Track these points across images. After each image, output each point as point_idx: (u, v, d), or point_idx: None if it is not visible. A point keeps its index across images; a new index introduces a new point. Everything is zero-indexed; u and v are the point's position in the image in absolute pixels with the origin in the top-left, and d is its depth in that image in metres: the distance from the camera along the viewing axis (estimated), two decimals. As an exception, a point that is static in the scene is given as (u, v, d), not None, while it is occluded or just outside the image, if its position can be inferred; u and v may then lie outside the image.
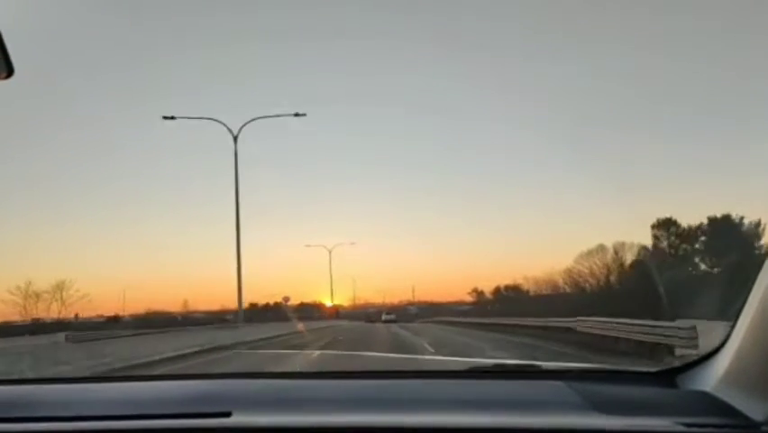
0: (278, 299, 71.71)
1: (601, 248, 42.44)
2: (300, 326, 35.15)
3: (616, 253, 41.57)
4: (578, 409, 1.35)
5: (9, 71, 0.90)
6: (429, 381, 1.81)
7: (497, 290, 77.84)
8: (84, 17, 58.49)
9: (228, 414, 1.35)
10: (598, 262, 42.27)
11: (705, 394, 1.37)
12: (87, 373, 11.62)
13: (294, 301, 66.48)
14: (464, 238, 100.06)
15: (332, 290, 60.93)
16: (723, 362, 1.37)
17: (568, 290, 44.15)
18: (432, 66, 75.06)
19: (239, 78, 75.93)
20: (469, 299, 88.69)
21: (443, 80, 74.92)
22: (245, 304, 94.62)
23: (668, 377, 1.59)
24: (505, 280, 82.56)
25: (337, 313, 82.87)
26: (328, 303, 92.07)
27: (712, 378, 1.39)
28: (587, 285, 41.13)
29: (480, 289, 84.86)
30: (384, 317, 68.90)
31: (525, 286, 69.38)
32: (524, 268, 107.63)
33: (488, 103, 74.75)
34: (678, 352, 11.81)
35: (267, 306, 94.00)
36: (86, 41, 67.09)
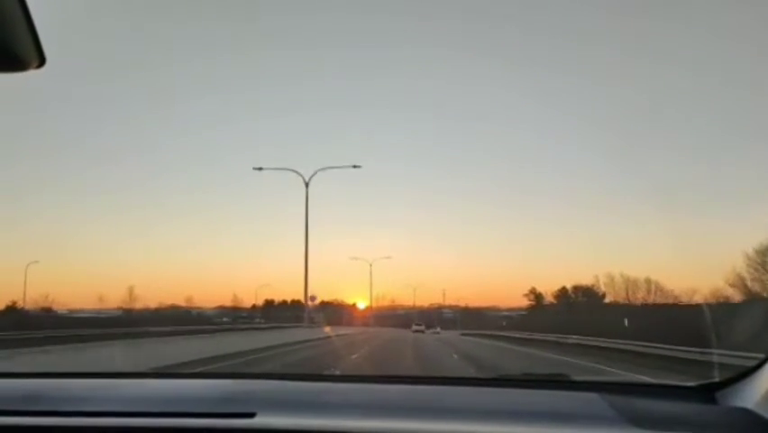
0: (296, 297, 62.30)
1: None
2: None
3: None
4: (611, 422, 1.30)
5: (41, 61, 0.90)
6: (456, 388, 1.79)
7: (562, 293, 63.41)
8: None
9: (252, 415, 1.34)
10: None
11: (746, 411, 1.31)
12: None
13: (312, 301, 56.25)
14: (504, 237, 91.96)
15: (305, 267, 44.39)
16: (766, 378, 1.34)
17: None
18: (470, 75, 76.89)
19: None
20: (513, 303, 76.36)
21: (482, 91, 76.31)
22: (260, 301, 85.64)
23: (707, 392, 1.52)
24: (560, 282, 68.53)
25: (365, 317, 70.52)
26: (358, 304, 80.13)
27: (754, 394, 1.34)
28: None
29: (537, 290, 70.56)
30: (414, 327, 58.43)
31: (602, 288, 54.60)
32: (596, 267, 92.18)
33: (536, 111, 74.11)
34: None
35: (284, 303, 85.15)
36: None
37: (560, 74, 71.38)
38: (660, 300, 41.76)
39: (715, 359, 12.56)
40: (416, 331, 54.60)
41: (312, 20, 72.28)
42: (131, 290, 65.56)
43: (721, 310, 24.52)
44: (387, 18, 73.46)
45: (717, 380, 1.53)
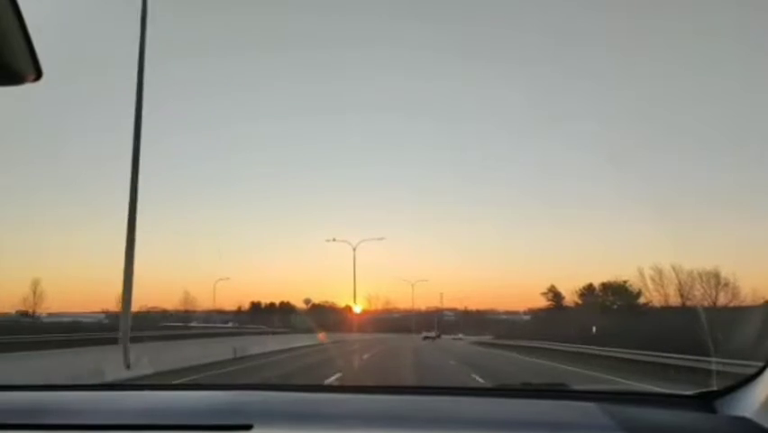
0: (285, 299, 56.27)
1: None
2: None
3: None
4: (610, 432, 1.29)
5: (38, 74, 0.90)
6: (455, 398, 1.77)
7: (587, 290, 55.67)
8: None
9: (249, 427, 1.33)
10: None
11: (745, 420, 1.30)
12: None
13: (307, 304, 49.34)
14: (506, 237, 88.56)
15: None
16: (765, 386, 1.32)
17: None
18: (474, 77, 76.72)
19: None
20: (511, 306, 70.13)
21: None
22: (246, 305, 77.48)
23: (706, 401, 1.53)
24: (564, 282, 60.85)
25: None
26: (352, 307, 72.59)
27: (753, 403, 1.33)
28: None
29: (556, 289, 62.85)
30: (424, 334, 55.09)
31: (649, 284, 46.70)
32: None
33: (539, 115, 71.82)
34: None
35: (272, 306, 78.62)
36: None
37: (560, 74, 73.22)
38: (725, 300, 34.22)
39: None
40: (427, 338, 47.05)
41: (312, 21, 73.76)
42: (35, 284, 59.10)
43: None
44: (387, 19, 73.45)
45: (715, 388, 1.52)
